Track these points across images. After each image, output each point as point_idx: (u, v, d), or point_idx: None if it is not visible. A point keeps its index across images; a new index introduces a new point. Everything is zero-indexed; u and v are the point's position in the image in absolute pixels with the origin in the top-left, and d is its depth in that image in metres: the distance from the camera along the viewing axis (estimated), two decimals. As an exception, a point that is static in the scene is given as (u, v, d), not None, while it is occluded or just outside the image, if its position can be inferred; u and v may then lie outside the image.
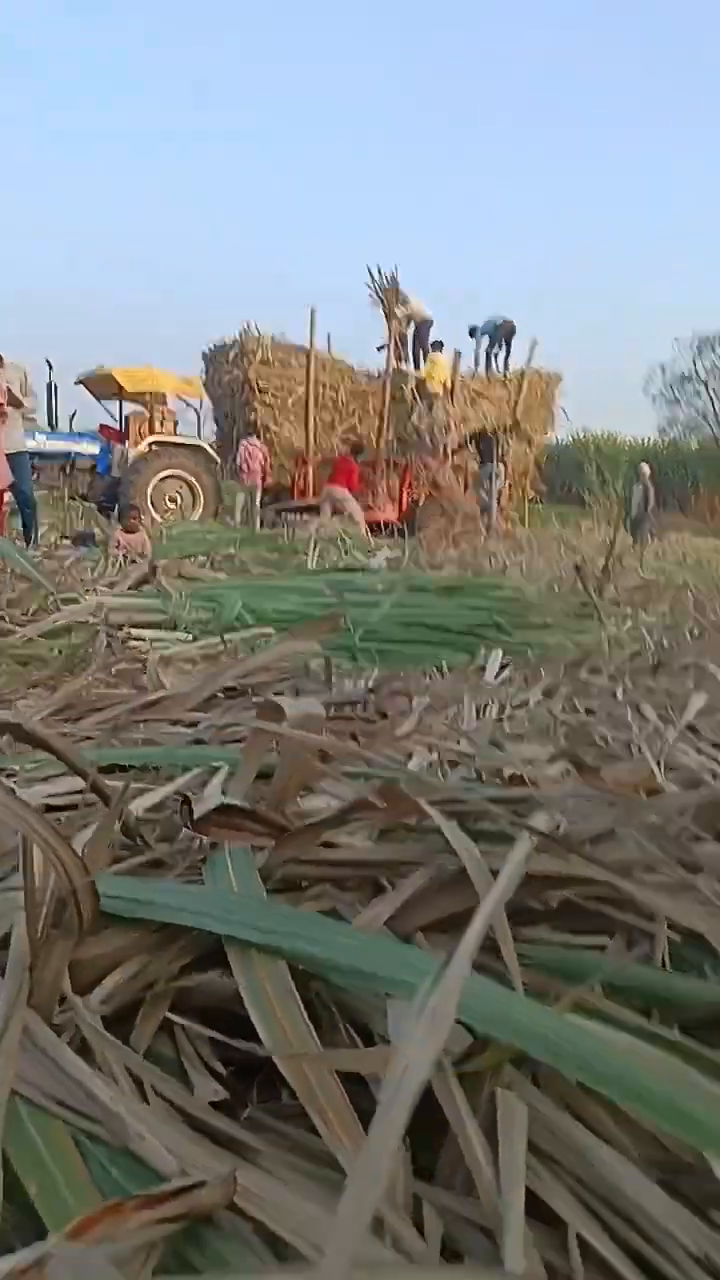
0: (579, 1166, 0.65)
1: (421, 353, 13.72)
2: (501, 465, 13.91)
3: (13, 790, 1.09)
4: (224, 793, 1.03)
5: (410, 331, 13.71)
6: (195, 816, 0.92)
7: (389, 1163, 0.42)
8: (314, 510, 12.18)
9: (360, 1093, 0.69)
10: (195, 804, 0.93)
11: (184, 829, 0.95)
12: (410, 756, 1.49)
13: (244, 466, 12.38)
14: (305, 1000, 0.76)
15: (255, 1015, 0.71)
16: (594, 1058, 0.65)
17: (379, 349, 13.80)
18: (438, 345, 13.53)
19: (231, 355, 13.18)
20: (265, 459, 12.51)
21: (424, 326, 13.75)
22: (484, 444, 13.77)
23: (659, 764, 1.77)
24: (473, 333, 14.50)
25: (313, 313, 12.73)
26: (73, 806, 1.21)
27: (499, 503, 14.11)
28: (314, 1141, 0.65)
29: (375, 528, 11.82)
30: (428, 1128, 0.69)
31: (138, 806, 1.08)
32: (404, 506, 13.39)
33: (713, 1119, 0.64)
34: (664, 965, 0.90)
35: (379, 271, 13.17)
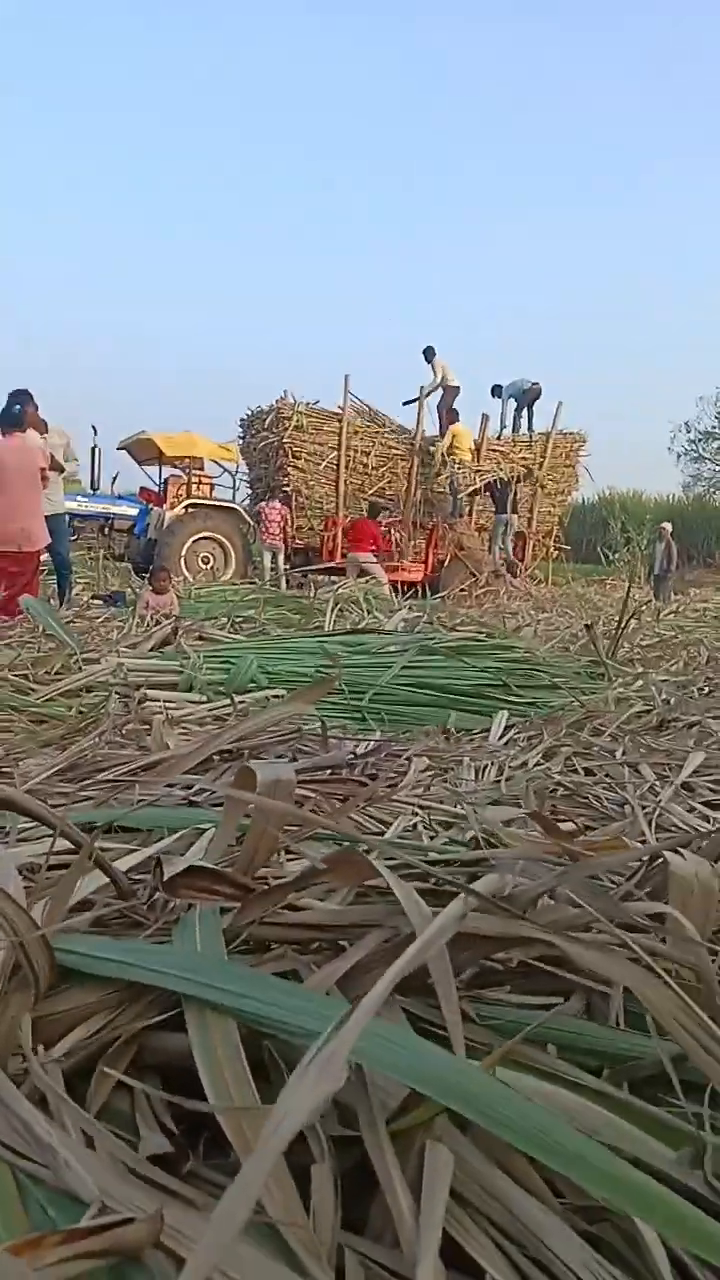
0: (502, 1216, 0.67)
1: (447, 420, 13.95)
2: (515, 515, 13.96)
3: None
4: (203, 855, 1.07)
5: (439, 398, 13.96)
6: (165, 878, 0.96)
7: (252, 1199, 0.46)
8: (340, 572, 12.35)
9: (301, 1148, 0.71)
10: (166, 866, 0.97)
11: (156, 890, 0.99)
12: (397, 818, 1.52)
13: (263, 528, 12.65)
14: (257, 1059, 0.79)
15: (203, 1071, 0.74)
16: (517, 1114, 0.68)
17: (405, 404, 14.03)
18: (454, 415, 13.70)
19: (268, 421, 13.49)
20: (283, 520, 12.74)
21: (450, 393, 13.99)
22: (498, 494, 13.84)
23: (650, 824, 1.78)
24: (495, 392, 14.71)
25: (346, 380, 13.08)
26: (65, 865, 1.25)
27: (519, 557, 14.24)
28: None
29: (403, 587, 11.96)
30: (366, 1181, 0.72)
31: (121, 866, 1.12)
32: (430, 567, 13.54)
33: (630, 1175, 0.66)
34: (618, 1024, 0.92)
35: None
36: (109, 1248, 0.57)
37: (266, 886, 0.95)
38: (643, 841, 1.52)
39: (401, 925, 0.91)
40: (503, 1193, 0.69)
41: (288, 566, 12.93)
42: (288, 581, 12.36)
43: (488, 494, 14.04)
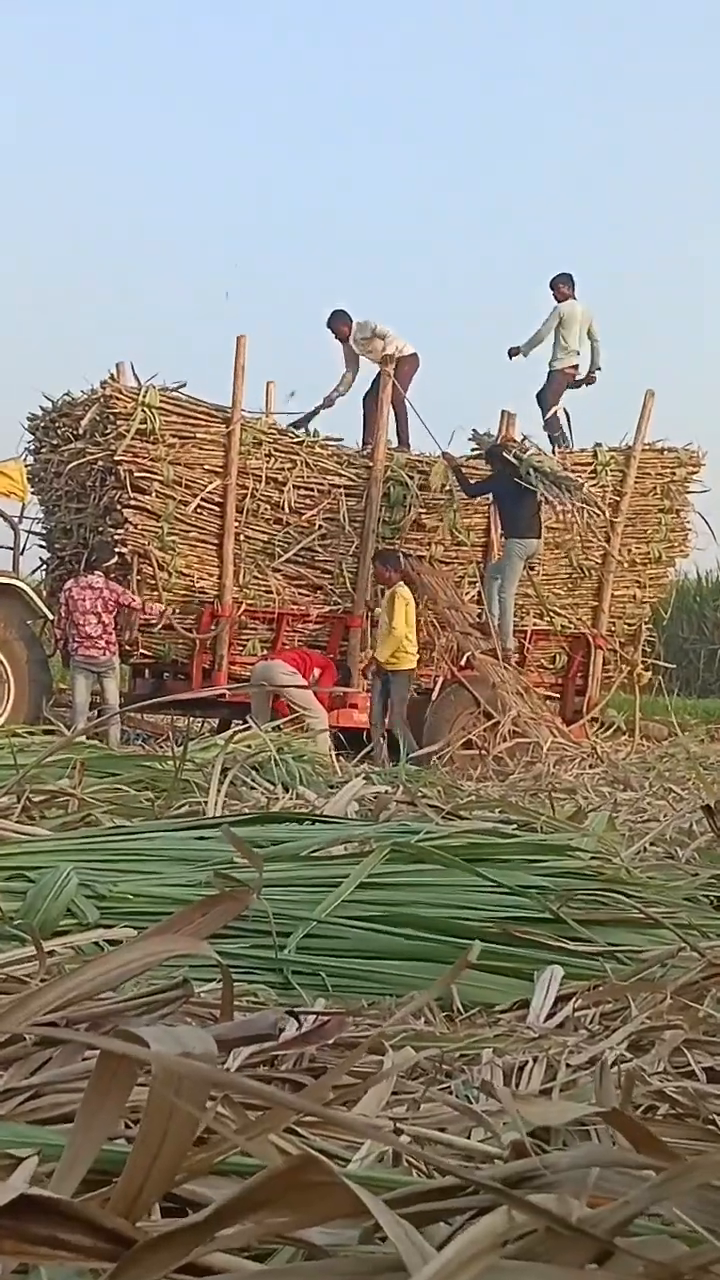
0: None
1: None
2: (539, 541, 14.07)
3: None
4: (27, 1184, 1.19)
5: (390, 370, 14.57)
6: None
7: None
8: (223, 707, 12.51)
9: None
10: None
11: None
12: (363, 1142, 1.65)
13: (73, 627, 12.59)
14: None
15: None
16: None
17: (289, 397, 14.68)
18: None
19: (85, 422, 13.12)
20: (113, 609, 12.66)
21: (407, 364, 14.66)
22: (507, 493, 14.33)
23: None
24: (513, 354, 16.03)
25: (239, 342, 13.32)
26: None
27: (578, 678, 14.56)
28: None
29: (351, 738, 12.01)
30: None
31: None
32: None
33: None
34: None
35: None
36: None
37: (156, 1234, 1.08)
38: None
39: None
40: None
41: (123, 699, 13.05)
42: (125, 729, 12.46)
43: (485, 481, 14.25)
